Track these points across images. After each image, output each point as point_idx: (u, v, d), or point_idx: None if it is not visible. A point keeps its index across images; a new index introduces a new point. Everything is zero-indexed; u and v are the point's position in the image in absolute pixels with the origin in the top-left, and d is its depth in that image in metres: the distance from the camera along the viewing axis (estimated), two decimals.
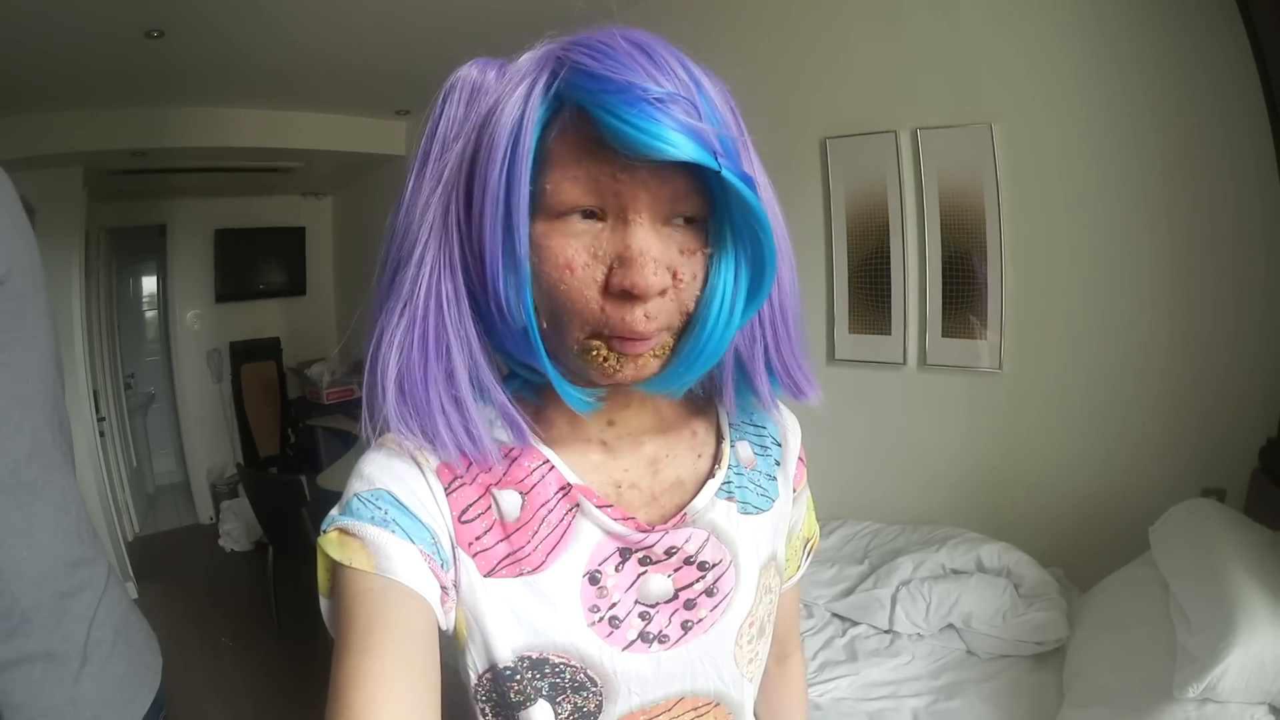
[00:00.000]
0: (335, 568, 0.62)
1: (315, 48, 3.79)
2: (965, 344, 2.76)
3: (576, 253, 0.58)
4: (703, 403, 0.82)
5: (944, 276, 2.80)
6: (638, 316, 0.58)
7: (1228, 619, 1.51)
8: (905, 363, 2.94)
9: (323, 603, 0.64)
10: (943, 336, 2.82)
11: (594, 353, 0.61)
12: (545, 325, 0.62)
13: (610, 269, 0.58)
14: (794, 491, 0.86)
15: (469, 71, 0.64)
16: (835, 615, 2.48)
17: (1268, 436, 2.13)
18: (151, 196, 6.03)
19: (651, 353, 0.62)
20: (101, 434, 4.94)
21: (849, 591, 2.51)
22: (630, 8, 3.49)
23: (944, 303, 2.80)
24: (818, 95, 3.10)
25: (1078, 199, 2.49)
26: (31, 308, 1.10)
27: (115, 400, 5.84)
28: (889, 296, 2.95)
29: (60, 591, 1.10)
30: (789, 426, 0.87)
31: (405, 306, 0.63)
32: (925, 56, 2.76)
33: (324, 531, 0.63)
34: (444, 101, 0.64)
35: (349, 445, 5.31)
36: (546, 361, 0.62)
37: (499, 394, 0.65)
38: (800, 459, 0.88)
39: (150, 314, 7.31)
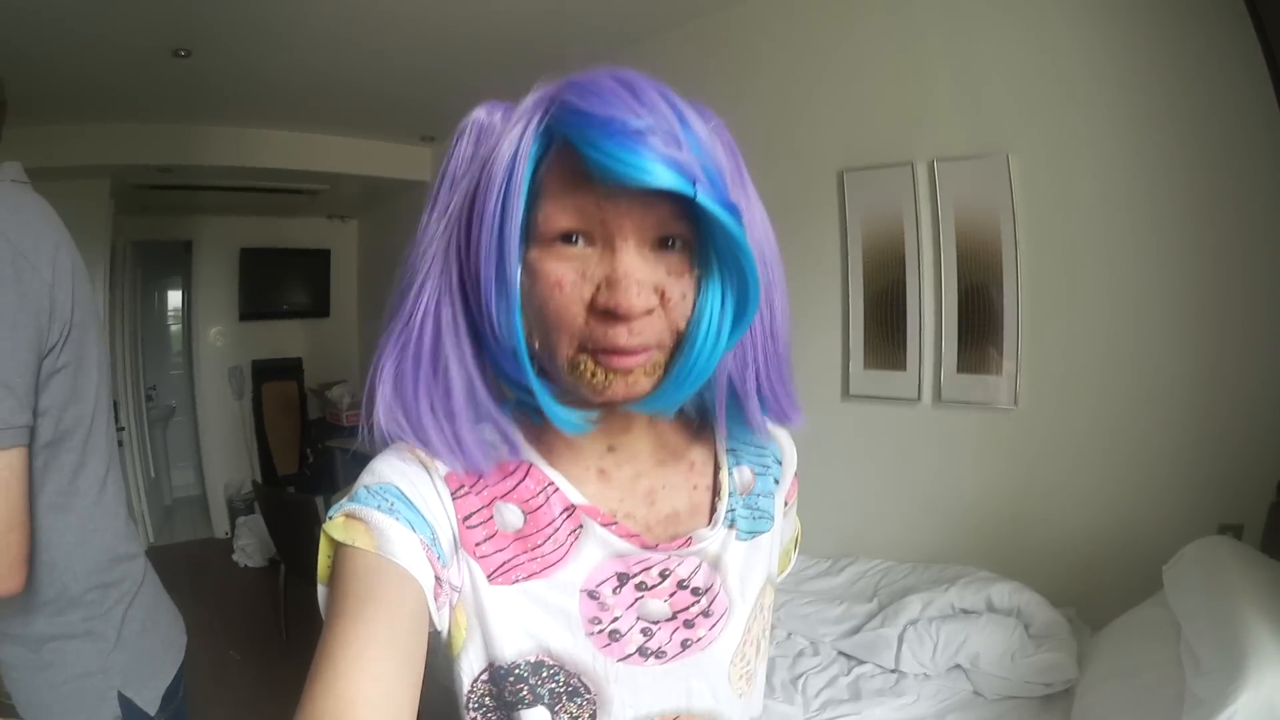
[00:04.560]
0: (336, 552, 0.64)
1: (341, 72, 3.86)
2: (981, 380, 2.73)
3: (565, 273, 0.62)
4: (702, 431, 0.84)
5: (960, 311, 2.77)
6: (620, 333, 0.61)
7: (1238, 661, 1.47)
8: (920, 399, 2.91)
9: (320, 590, 0.66)
10: (958, 372, 2.78)
11: (581, 367, 0.63)
12: (536, 345, 0.65)
13: (597, 289, 0.62)
14: (785, 505, 0.89)
15: (479, 114, 0.69)
16: (841, 653, 2.44)
17: None
18: (178, 213, 6.14)
19: (643, 370, 0.64)
20: (120, 444, 4.96)
21: (856, 630, 2.47)
22: (643, 41, 3.52)
23: (960, 338, 2.77)
24: (834, 128, 3.10)
25: (1094, 230, 2.46)
26: (91, 330, 1.28)
27: (135, 411, 5.90)
28: (905, 331, 2.93)
29: (104, 582, 1.30)
30: (786, 445, 0.91)
31: (404, 327, 0.68)
32: (941, 88, 2.76)
33: (330, 518, 0.65)
34: (456, 142, 0.69)
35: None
36: (534, 380, 0.65)
37: (492, 409, 0.69)
38: (795, 475, 0.91)
39: (175, 328, 7.42)
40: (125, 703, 1.31)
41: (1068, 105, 2.48)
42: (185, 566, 5.34)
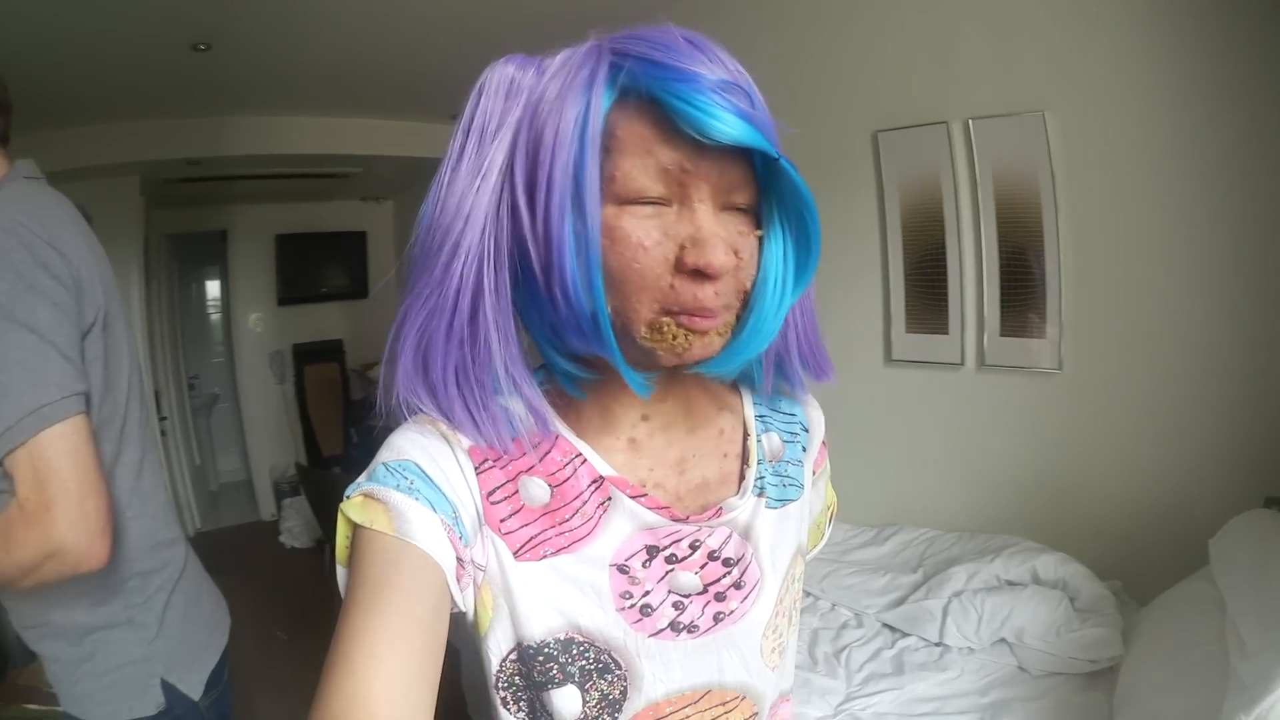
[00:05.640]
0: (355, 533, 0.63)
1: (366, 54, 3.83)
2: (1024, 343, 2.66)
3: (648, 232, 0.60)
4: (731, 398, 0.83)
5: (1002, 273, 2.71)
6: (708, 293, 0.61)
7: None
8: (963, 363, 2.85)
9: (339, 572, 0.64)
10: (1001, 336, 2.72)
11: (665, 329, 0.62)
12: (611, 307, 0.62)
13: (682, 248, 0.60)
14: (814, 474, 0.88)
15: (504, 68, 0.66)
16: (885, 625, 2.43)
17: None
18: (211, 203, 6.20)
19: (715, 331, 0.64)
20: (163, 433, 5.09)
21: (900, 601, 2.46)
22: (675, 5, 3.43)
23: (1002, 300, 2.71)
24: (867, 87, 3.04)
25: (1136, 189, 2.38)
26: (119, 319, 1.27)
27: (178, 400, 5.99)
28: (946, 294, 2.87)
29: (144, 570, 1.30)
30: (813, 413, 0.89)
31: (433, 293, 0.64)
32: (975, 45, 2.68)
33: (348, 497, 0.64)
34: (479, 97, 0.65)
35: None
36: (614, 343, 0.62)
37: (525, 380, 0.67)
38: (823, 443, 0.91)
39: (214, 317, 7.54)
40: (169, 690, 1.30)
41: (1105, 60, 2.39)
42: (232, 550, 5.45)
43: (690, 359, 0.63)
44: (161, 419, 5.12)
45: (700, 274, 0.60)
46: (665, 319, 0.62)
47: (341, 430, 6.85)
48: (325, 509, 4.30)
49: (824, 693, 2.08)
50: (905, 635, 2.35)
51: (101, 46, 3.15)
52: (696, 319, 0.61)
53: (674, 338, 0.62)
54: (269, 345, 6.65)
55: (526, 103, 0.63)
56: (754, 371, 0.78)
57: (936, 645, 2.27)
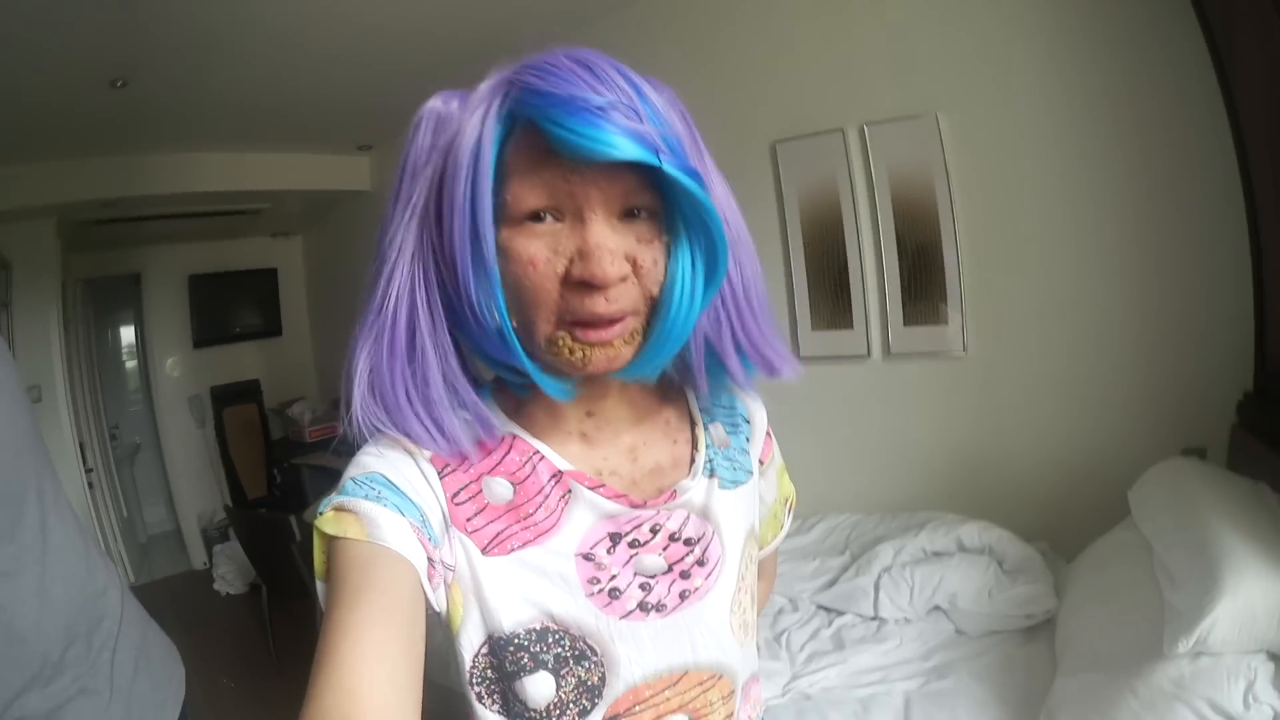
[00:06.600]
0: (330, 546, 0.65)
1: (275, 89, 3.83)
2: (928, 330, 2.81)
3: (539, 250, 0.64)
4: (673, 392, 0.87)
5: (901, 267, 2.84)
6: (598, 301, 0.64)
7: (1212, 570, 1.49)
8: (870, 354, 2.98)
9: (319, 587, 0.66)
10: (905, 325, 2.87)
11: (560, 344, 0.66)
12: (516, 323, 0.67)
13: (570, 262, 0.64)
14: (760, 464, 0.91)
15: (434, 104, 0.70)
16: (820, 607, 2.50)
17: (1244, 391, 2.13)
18: (124, 245, 6.02)
19: (622, 340, 0.67)
20: (90, 485, 4.92)
21: (832, 582, 2.53)
22: (576, 30, 3.52)
23: (904, 292, 2.85)
24: (765, 99, 3.14)
25: (1027, 179, 2.54)
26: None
27: (101, 451, 5.77)
28: (849, 291, 3.00)
29: (82, 632, 1.22)
30: (753, 405, 0.93)
31: (376, 319, 0.69)
32: (868, 51, 2.81)
33: (320, 514, 0.66)
34: (414, 133, 0.70)
35: (334, 482, 5.30)
36: (523, 356, 0.67)
37: (470, 395, 0.71)
38: (768, 433, 0.94)
39: (130, 364, 7.26)
40: None
41: (993, 62, 2.55)
42: (168, 602, 5.26)
43: (596, 370, 0.66)
44: (88, 470, 4.96)
45: (588, 285, 0.63)
46: (560, 333, 0.65)
47: (264, 471, 6.69)
48: (257, 550, 4.20)
49: (770, 675, 2.14)
50: (841, 614, 2.43)
51: (20, 83, 3.10)
52: (590, 331, 0.65)
53: (570, 352, 0.65)
54: (187, 389, 6.45)
55: (446, 137, 0.67)
56: (691, 369, 0.79)
57: (873, 619, 2.36)
